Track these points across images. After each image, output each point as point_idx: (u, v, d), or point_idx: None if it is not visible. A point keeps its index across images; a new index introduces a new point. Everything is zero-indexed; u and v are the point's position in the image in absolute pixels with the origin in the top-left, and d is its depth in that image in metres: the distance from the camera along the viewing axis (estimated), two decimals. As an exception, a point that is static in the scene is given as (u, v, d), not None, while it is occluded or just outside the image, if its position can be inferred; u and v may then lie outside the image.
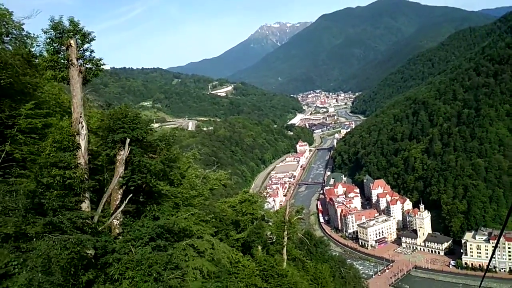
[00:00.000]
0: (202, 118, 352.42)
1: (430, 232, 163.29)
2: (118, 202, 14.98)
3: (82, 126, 13.67)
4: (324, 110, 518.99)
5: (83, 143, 13.62)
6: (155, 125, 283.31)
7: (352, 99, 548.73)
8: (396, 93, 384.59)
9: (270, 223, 55.31)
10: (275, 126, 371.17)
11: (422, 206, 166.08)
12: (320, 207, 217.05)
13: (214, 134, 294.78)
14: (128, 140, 14.37)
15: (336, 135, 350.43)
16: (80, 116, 13.47)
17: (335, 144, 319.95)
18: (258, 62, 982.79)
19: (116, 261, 13.23)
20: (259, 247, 48.32)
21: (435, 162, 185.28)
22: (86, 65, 13.54)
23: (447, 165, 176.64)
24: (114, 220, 15.05)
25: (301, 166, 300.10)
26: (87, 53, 13.53)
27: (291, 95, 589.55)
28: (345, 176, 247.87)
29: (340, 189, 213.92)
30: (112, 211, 14.86)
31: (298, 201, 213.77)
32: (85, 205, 13.71)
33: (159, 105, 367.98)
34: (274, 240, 47.61)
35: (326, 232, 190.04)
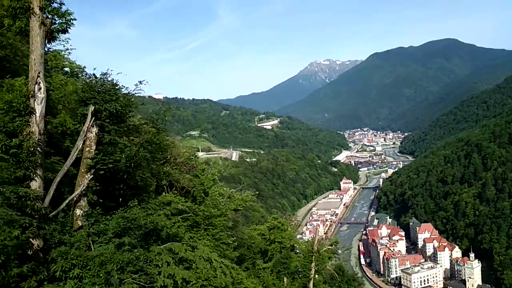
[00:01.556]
0: (247, 150, 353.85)
1: (480, 283, 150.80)
2: (84, 187, 13.19)
3: (40, 88, 12.01)
4: (371, 148, 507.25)
5: (39, 108, 11.96)
6: (200, 153, 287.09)
7: (400, 139, 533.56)
8: (447, 135, 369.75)
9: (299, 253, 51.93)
10: (319, 161, 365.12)
11: (472, 255, 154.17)
12: (362, 248, 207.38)
13: (257, 165, 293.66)
14: (91, 109, 12.59)
15: (383, 174, 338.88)
16: (38, 76, 11.73)
17: (381, 183, 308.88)
18: (305, 98, 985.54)
19: (62, 256, 11.30)
20: (285, 279, 44.99)
21: (487, 209, 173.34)
22: (51, 17, 12.03)
23: (501, 212, 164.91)
24: (77, 210, 13.16)
25: (344, 204, 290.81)
26: (55, 4, 12.04)
27: (338, 132, 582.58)
28: (390, 218, 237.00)
29: (384, 231, 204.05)
30: (75, 199, 13.09)
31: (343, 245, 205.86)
32: (36, 184, 11.90)
33: (206, 135, 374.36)
34: (300, 271, 44.27)
35: (367, 275, 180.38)
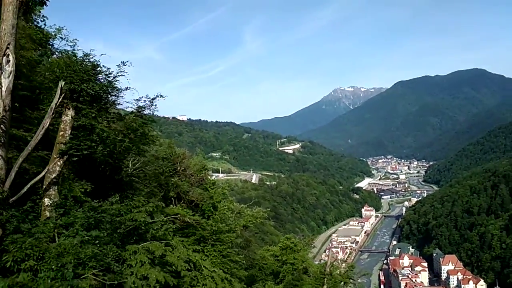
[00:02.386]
0: (267, 173, 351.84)
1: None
2: (55, 175, 11.96)
3: (8, 61, 10.95)
4: (395, 176, 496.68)
5: (5, 82, 10.81)
6: (221, 175, 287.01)
7: (425, 168, 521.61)
8: (474, 165, 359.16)
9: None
10: (341, 187, 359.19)
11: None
12: (382, 278, 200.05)
13: (276, 189, 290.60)
14: (61, 84, 11.41)
15: (406, 203, 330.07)
16: (8, 48, 10.67)
17: (403, 212, 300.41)
18: (328, 124, 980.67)
19: (15, 245, 9.98)
20: (296, 303, 42.63)
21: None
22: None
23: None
24: (45, 199, 11.91)
25: (365, 232, 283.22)
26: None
27: (361, 159, 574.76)
28: (412, 248, 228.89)
29: (406, 261, 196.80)
30: (44, 186, 11.85)
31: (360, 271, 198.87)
32: None
33: (227, 157, 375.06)
34: (311, 295, 41.97)
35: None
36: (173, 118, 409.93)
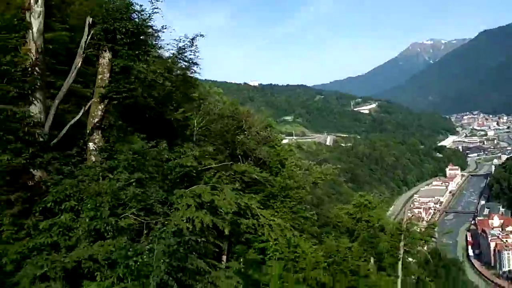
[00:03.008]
0: (342, 134, 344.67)
1: None
2: (97, 119, 11.70)
3: (37, 1, 10.56)
4: (482, 133, 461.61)
5: (35, 23, 10.47)
6: (294, 138, 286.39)
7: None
8: None
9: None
10: (422, 147, 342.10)
11: None
12: (470, 239, 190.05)
13: (352, 150, 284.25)
14: (89, 20, 10.83)
15: (495, 161, 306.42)
16: None
17: (492, 170, 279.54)
18: (406, 81, 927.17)
19: (55, 186, 9.87)
20: (372, 259, 41.37)
21: None
22: None
23: None
24: (90, 144, 11.77)
25: (450, 192, 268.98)
26: None
27: (443, 116, 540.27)
28: (503, 207, 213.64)
29: (496, 221, 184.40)
30: (88, 131, 11.66)
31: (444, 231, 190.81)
32: (36, 109, 10.53)
33: (300, 120, 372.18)
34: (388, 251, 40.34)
35: (476, 268, 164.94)
36: (245, 83, 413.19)
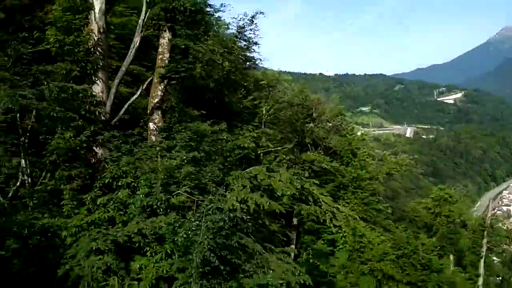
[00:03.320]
0: (423, 126, 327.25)
1: None
2: (157, 99, 11.79)
3: None
4: None
5: (97, 3, 10.64)
6: (371, 129, 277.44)
7: None
8: None
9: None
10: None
11: None
12: None
13: (434, 142, 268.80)
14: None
15: None
16: None
17: None
18: (497, 68, 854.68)
19: (113, 162, 10.06)
20: (451, 256, 38.80)
21: None
22: None
23: None
24: (150, 124, 11.93)
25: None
26: None
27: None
28: None
29: None
30: (148, 111, 11.78)
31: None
32: (98, 88, 10.79)
33: (378, 111, 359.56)
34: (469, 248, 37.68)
35: None
36: (320, 74, 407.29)
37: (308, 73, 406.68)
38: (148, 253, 8.93)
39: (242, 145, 12.46)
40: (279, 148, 15.12)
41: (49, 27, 10.53)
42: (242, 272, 9.06)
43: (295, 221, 31.72)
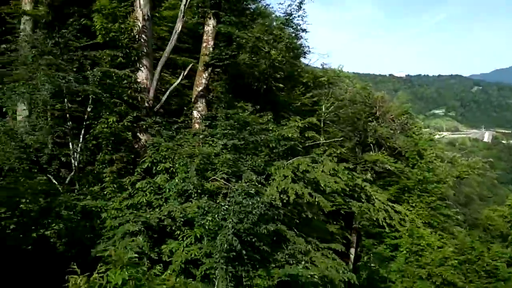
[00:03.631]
0: (503, 130, 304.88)
1: None
2: (201, 88, 11.66)
3: None
4: None
5: None
6: (445, 133, 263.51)
7: None
8: None
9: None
10: None
11: None
12: None
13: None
14: None
15: None
16: None
17: None
18: None
19: (153, 147, 10.06)
20: (530, 270, 35.46)
21: None
22: None
23: None
24: (194, 112, 11.87)
25: None
26: None
27: None
28: None
29: None
30: (193, 98, 11.70)
31: None
32: (143, 75, 10.89)
33: (452, 114, 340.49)
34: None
35: None
36: (390, 75, 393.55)
37: (378, 74, 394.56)
38: (179, 237, 8.84)
39: (286, 135, 12.00)
40: (330, 141, 14.46)
41: (96, 15, 10.87)
42: (274, 262, 8.69)
43: (355, 223, 30.60)
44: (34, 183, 9.19)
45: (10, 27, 10.24)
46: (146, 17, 11.12)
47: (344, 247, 28.23)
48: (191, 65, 11.87)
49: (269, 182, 10.94)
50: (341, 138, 28.28)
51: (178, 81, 11.74)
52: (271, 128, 12.46)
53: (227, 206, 7.86)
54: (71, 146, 10.38)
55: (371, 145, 33.62)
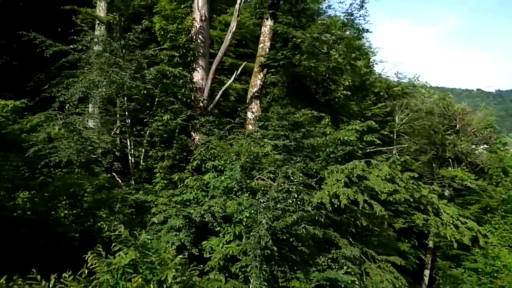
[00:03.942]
0: None
1: None
2: (256, 89, 11.52)
3: None
4: None
5: None
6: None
7: None
8: None
9: None
10: None
11: None
12: None
13: None
14: None
15: None
16: None
17: None
18: None
19: (204, 145, 10.04)
20: None
21: None
22: None
23: None
24: (248, 113, 11.76)
25: None
26: None
27: None
28: None
29: None
30: (248, 99, 11.56)
31: None
32: (199, 76, 10.98)
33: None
34: None
35: None
36: (478, 89, 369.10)
37: (464, 88, 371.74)
38: (220, 235, 8.69)
39: (343, 139, 11.46)
40: (392, 147, 13.61)
41: (156, 16, 11.28)
42: (315, 265, 8.21)
43: (430, 243, 28.62)
44: (94, 179, 9.63)
45: (78, 29, 10.97)
46: (203, 18, 11.32)
47: (416, 266, 26.50)
48: (243, 64, 11.87)
49: (321, 186, 10.49)
50: (426, 159, 26.94)
51: (231, 81, 11.79)
52: (328, 132, 12.01)
53: (264, 203, 7.57)
54: (128, 143, 10.79)
55: (449, 160, 31.49)
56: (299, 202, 7.84)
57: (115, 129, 10.88)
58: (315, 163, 10.69)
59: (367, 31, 14.02)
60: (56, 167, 9.80)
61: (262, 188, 9.21)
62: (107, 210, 9.22)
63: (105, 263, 4.18)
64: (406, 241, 26.34)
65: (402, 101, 31.17)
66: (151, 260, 4.52)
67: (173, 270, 4.34)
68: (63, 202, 8.70)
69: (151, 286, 4.19)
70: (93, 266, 4.21)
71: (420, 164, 29.34)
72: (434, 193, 13.72)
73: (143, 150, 10.78)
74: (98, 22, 13.20)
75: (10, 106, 12.69)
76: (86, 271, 4.19)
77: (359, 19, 12.84)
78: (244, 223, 7.87)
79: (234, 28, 11.28)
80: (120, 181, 10.71)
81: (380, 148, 14.15)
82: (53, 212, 8.36)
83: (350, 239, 11.12)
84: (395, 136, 29.37)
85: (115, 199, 9.47)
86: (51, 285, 4.06)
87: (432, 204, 13.29)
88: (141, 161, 10.87)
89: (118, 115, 10.91)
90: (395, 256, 11.38)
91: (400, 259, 11.24)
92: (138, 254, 4.37)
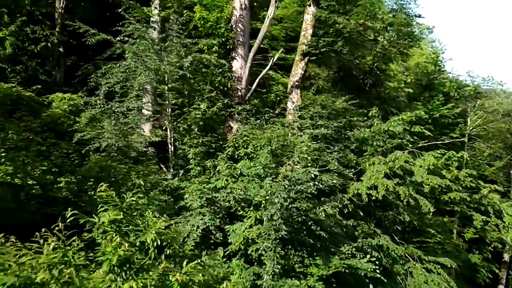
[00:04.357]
0: None
1: None
2: (297, 78, 11.14)
3: None
4: None
5: None
6: None
7: None
8: None
9: None
10: None
11: None
12: None
13: None
14: None
15: None
16: None
17: None
18: None
19: (234, 134, 9.86)
20: None
21: None
22: None
23: None
24: (288, 103, 11.42)
25: None
26: None
27: None
28: None
29: None
30: (288, 89, 11.20)
31: None
32: (238, 65, 10.86)
33: None
34: None
35: None
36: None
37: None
38: (245, 219, 8.48)
39: (389, 130, 10.75)
40: (451, 140, 12.42)
41: (197, 6, 11.40)
42: (339, 253, 7.68)
43: (505, 256, 26.30)
44: (132, 165, 9.89)
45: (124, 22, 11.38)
46: (243, 6, 11.28)
47: (489, 281, 24.44)
48: (279, 52, 11.60)
49: (361, 178, 9.92)
50: (501, 164, 24.92)
51: (267, 69, 11.60)
52: (375, 123, 11.36)
53: (282, 184, 7.24)
54: (168, 130, 10.98)
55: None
56: (316, 183, 7.42)
57: (158, 118, 11.15)
58: (356, 156, 10.14)
59: (419, 16, 13.10)
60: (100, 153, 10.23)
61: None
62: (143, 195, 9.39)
63: (86, 220, 4.20)
64: (477, 252, 24.43)
65: (475, 102, 29.05)
66: (136, 223, 4.48)
67: (153, 232, 4.27)
68: (92, 184, 8.98)
69: (133, 247, 4.15)
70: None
71: (495, 170, 27.09)
72: (496, 193, 12.42)
73: (182, 139, 10.90)
74: (152, 19, 13.69)
75: (67, 98, 13.54)
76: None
77: (409, 3, 12.03)
78: (262, 206, 7.60)
79: (272, 15, 11.10)
80: (162, 168, 10.94)
81: (435, 142, 13.05)
82: (83, 193, 8.69)
83: (395, 237, 10.39)
84: (466, 140, 27.39)
85: (150, 184, 9.65)
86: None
87: (493, 205, 12.01)
88: (178, 149, 11.01)
89: (160, 105, 11.16)
90: (446, 258, 10.36)
91: (450, 261, 10.22)
92: (121, 215, 4.34)
